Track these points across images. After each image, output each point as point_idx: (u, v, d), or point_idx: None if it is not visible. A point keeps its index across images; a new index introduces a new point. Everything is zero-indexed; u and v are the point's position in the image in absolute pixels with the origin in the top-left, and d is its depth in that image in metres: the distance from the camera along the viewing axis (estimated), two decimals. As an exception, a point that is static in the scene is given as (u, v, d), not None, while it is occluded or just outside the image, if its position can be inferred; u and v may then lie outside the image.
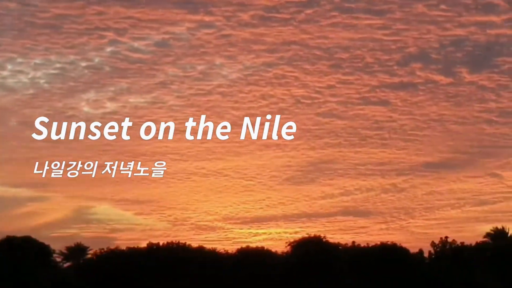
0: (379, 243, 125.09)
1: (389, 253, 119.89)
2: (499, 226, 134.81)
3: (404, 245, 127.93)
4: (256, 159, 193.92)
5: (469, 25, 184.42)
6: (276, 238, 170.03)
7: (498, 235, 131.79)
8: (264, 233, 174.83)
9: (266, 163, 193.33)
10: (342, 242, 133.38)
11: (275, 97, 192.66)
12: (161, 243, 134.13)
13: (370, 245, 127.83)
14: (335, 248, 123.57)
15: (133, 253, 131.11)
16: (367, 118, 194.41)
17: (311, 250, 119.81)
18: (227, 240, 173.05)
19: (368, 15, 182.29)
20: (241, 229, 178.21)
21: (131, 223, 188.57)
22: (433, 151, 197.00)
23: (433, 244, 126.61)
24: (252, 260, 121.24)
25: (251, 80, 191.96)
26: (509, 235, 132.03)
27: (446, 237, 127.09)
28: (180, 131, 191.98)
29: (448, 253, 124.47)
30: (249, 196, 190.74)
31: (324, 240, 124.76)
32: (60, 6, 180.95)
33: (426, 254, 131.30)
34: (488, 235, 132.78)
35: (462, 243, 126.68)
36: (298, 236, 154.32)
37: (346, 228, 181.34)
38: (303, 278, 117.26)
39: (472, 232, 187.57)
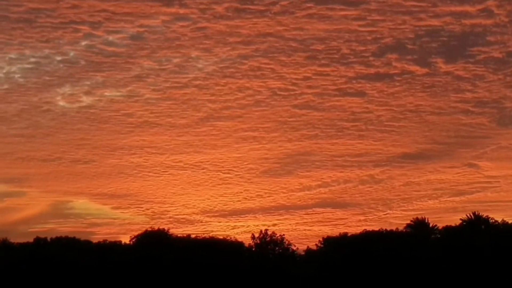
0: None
1: (212, 245, 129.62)
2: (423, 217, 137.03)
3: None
4: (233, 151, 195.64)
5: (444, 15, 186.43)
6: (254, 231, 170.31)
7: (419, 226, 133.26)
8: (242, 226, 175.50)
9: (243, 155, 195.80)
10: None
11: (251, 89, 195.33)
12: (48, 238, 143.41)
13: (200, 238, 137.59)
14: (175, 241, 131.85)
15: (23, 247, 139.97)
16: (344, 109, 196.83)
17: (151, 242, 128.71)
18: (205, 233, 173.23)
19: (344, 6, 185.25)
20: (220, 222, 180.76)
21: (109, 217, 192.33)
22: (410, 142, 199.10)
23: (253, 236, 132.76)
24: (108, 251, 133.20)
25: (227, 73, 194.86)
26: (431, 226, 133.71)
27: (266, 230, 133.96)
28: (156, 124, 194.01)
29: (266, 245, 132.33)
30: (226, 189, 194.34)
31: (168, 233, 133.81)
32: (34, 0, 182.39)
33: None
34: (408, 226, 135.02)
35: (282, 235, 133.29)
36: (276, 228, 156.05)
37: (324, 219, 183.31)
38: (143, 268, 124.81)
39: (450, 222, 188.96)
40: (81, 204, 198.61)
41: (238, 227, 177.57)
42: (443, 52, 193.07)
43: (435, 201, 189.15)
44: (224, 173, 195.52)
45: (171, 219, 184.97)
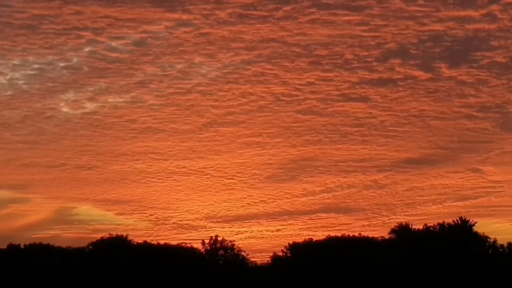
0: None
1: (170, 251, 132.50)
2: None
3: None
4: (237, 157, 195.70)
5: (447, 20, 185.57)
6: (258, 236, 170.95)
7: (402, 231, 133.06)
8: (246, 231, 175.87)
9: (246, 161, 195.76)
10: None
11: (254, 95, 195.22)
12: (22, 245, 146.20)
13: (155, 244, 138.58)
14: (136, 248, 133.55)
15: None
16: (347, 114, 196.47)
17: (109, 249, 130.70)
18: (209, 239, 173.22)
19: (347, 11, 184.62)
20: (223, 227, 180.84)
21: (113, 223, 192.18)
22: (414, 147, 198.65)
23: (203, 242, 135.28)
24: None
25: (230, 78, 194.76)
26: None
27: (217, 236, 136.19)
28: (160, 130, 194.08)
29: (216, 251, 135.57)
30: (230, 195, 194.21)
31: (128, 240, 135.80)
32: (37, 6, 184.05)
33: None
34: (393, 231, 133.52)
35: (232, 241, 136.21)
36: (280, 233, 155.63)
37: (328, 225, 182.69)
38: (100, 273, 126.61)
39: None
40: (85, 210, 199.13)
41: (242, 233, 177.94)
42: (447, 57, 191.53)
43: (438, 206, 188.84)
44: (227, 178, 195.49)
45: (174, 225, 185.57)
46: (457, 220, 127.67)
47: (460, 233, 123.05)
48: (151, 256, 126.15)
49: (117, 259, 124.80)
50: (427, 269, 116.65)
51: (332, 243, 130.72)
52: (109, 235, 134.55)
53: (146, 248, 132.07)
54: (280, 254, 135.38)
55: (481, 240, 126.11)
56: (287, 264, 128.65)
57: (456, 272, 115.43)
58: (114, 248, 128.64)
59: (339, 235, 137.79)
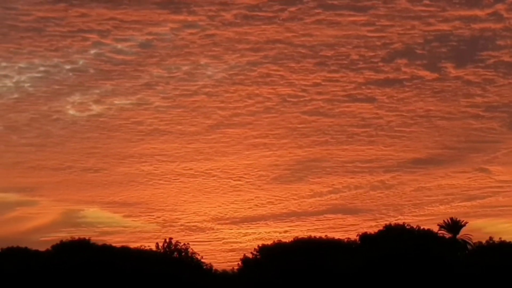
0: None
1: (126, 254, 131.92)
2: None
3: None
4: (244, 158, 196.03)
5: (453, 19, 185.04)
6: (265, 238, 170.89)
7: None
8: (254, 233, 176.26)
9: (253, 162, 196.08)
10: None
11: (261, 96, 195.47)
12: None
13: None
14: (101, 250, 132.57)
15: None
16: (354, 115, 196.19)
17: (72, 252, 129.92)
18: (217, 240, 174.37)
19: (352, 11, 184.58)
20: (231, 229, 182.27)
21: (120, 226, 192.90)
22: (421, 147, 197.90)
23: (157, 245, 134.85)
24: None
25: (236, 80, 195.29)
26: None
27: (171, 239, 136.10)
28: (166, 132, 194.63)
29: (171, 253, 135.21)
30: (237, 196, 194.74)
31: (91, 242, 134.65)
32: (42, 9, 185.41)
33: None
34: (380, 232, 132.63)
35: (186, 243, 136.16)
36: (288, 235, 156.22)
37: (336, 226, 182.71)
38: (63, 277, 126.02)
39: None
40: (92, 212, 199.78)
41: (250, 234, 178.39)
42: (453, 57, 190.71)
43: (446, 206, 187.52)
44: (234, 180, 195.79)
45: (182, 227, 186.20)
46: (447, 221, 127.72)
47: (421, 237, 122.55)
48: (109, 259, 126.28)
49: (75, 261, 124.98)
50: (388, 272, 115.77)
51: (298, 245, 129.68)
52: (70, 238, 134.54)
53: (106, 250, 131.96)
54: (250, 256, 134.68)
55: (444, 242, 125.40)
56: (256, 267, 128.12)
57: (416, 276, 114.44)
58: (75, 251, 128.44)
59: (306, 236, 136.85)
